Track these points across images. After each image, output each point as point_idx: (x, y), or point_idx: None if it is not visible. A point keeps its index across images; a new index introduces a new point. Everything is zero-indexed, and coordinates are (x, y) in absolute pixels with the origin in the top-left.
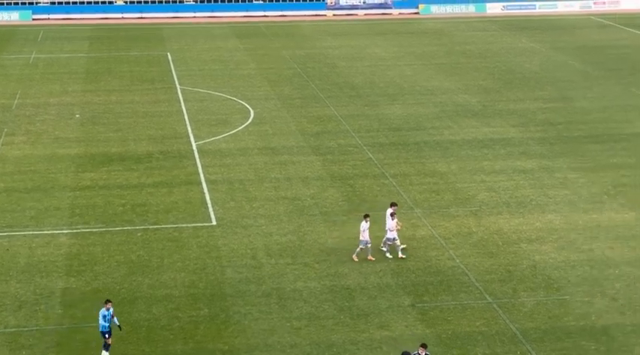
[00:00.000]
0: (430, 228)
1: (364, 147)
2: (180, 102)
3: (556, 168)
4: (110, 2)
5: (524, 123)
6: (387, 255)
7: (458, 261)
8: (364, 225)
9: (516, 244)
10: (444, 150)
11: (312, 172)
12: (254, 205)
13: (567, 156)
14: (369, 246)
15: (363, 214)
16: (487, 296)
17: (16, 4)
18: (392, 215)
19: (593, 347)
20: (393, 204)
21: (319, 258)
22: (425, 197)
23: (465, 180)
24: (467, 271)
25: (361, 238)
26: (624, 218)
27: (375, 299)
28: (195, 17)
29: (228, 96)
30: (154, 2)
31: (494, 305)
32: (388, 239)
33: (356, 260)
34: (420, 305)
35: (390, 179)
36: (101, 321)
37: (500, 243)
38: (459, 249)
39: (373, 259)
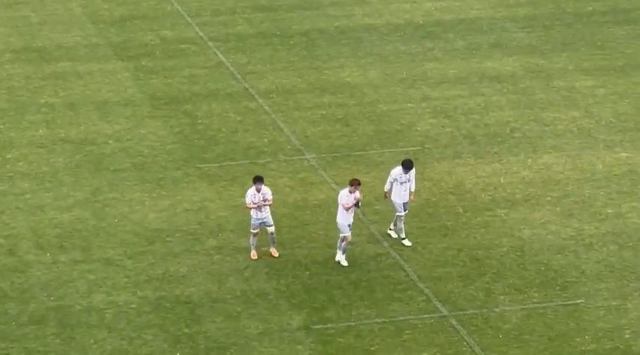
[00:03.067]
0: (335, 185)
1: (209, 43)
2: None
3: (556, 71)
4: None
5: None
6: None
7: (386, 244)
8: None
9: (489, 210)
10: (356, 41)
11: (115, 92)
12: (8, 156)
13: (574, 49)
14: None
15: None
16: (440, 307)
17: None
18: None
19: None
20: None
21: (134, 249)
22: (323, 130)
23: (395, 95)
24: (402, 262)
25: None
26: None
27: (238, 320)
28: None
29: None
30: None
31: (453, 322)
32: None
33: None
34: (318, 327)
35: (260, 99)
36: None
37: (461, 210)
38: (388, 222)
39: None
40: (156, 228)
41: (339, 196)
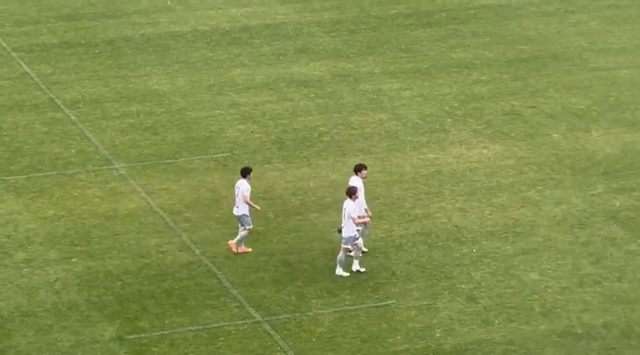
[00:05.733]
0: (145, 194)
1: (13, 54)
2: None
3: (363, 74)
4: None
5: None
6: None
7: (198, 251)
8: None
9: (300, 214)
10: (163, 49)
11: None
12: None
13: (380, 52)
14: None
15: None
16: (253, 313)
17: None
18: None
19: None
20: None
21: None
22: (132, 139)
23: (203, 102)
24: (215, 269)
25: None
26: (484, 155)
27: (50, 333)
28: None
29: None
30: None
31: (267, 327)
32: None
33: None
34: (132, 337)
35: (66, 110)
36: None
37: (272, 215)
38: (199, 229)
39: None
40: None
41: (350, 210)
